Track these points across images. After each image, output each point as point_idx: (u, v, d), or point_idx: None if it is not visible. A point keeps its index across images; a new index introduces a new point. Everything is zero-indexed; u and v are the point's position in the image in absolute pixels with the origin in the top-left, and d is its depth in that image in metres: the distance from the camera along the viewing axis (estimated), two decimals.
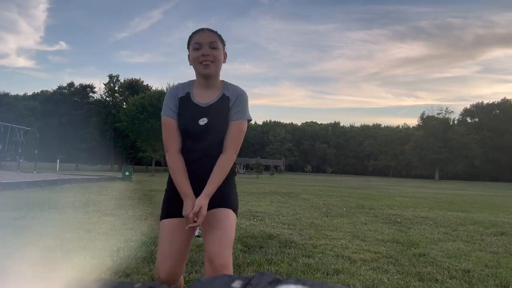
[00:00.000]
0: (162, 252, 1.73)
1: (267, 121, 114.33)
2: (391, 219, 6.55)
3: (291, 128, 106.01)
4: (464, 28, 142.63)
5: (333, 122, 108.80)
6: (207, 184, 1.71)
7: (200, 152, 1.75)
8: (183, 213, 1.68)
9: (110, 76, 57.55)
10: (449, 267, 3.40)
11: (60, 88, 55.66)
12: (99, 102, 57.01)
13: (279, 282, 0.48)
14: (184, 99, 1.78)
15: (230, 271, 1.65)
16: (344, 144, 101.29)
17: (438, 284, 2.90)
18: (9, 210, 5.58)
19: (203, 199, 1.67)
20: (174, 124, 1.75)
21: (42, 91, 78.29)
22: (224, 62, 1.79)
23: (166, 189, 1.87)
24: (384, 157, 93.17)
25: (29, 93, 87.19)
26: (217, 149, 1.76)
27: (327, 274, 3.04)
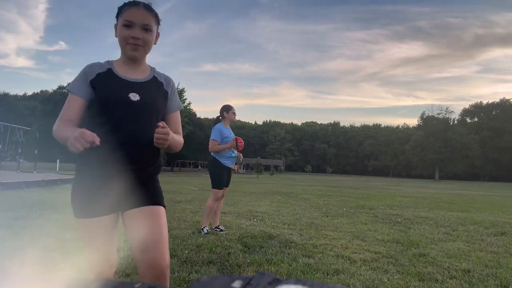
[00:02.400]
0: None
1: (267, 121, 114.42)
2: (391, 219, 6.55)
3: (291, 128, 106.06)
4: (464, 28, 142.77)
5: (333, 122, 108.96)
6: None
7: (132, 133, 1.49)
8: (73, 148, 1.28)
9: None
10: (449, 267, 3.40)
11: (60, 88, 55.72)
12: None
13: (279, 282, 0.48)
14: (104, 74, 1.53)
15: (167, 272, 1.54)
16: (344, 144, 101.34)
17: (438, 284, 2.90)
18: (9, 210, 5.58)
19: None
20: (79, 101, 1.50)
21: (42, 91, 78.36)
22: (155, 44, 1.62)
23: (74, 183, 1.55)
24: (384, 157, 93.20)
25: (29, 93, 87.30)
26: (150, 132, 1.48)
27: (327, 274, 3.04)
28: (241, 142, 4.79)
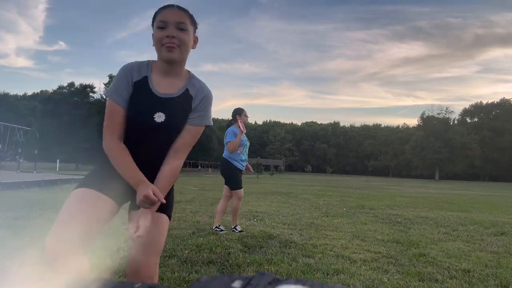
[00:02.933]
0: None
1: (267, 121, 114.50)
2: (391, 219, 6.55)
3: (291, 128, 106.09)
4: (464, 28, 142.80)
5: (333, 122, 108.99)
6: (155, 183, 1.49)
7: (149, 152, 1.49)
8: (142, 199, 1.34)
9: (110, 76, 57.55)
10: (449, 267, 3.40)
11: (60, 88, 55.66)
12: (99, 102, 57.01)
13: (279, 282, 0.48)
14: (139, 84, 1.48)
15: (155, 281, 1.48)
16: (344, 144, 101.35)
17: (438, 284, 2.90)
18: (9, 210, 5.58)
19: (146, 213, 1.42)
20: (122, 112, 1.46)
21: (42, 91, 78.37)
22: (193, 48, 1.53)
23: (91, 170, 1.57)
24: (384, 157, 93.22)
25: (29, 93, 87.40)
26: (165, 149, 1.52)
27: (327, 274, 3.04)
28: (242, 123, 4.92)
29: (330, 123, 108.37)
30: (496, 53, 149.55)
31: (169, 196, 1.56)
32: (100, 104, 56.21)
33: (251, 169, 5.38)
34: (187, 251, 3.56)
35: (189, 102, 1.53)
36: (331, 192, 14.54)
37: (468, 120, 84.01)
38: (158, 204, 1.39)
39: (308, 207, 8.26)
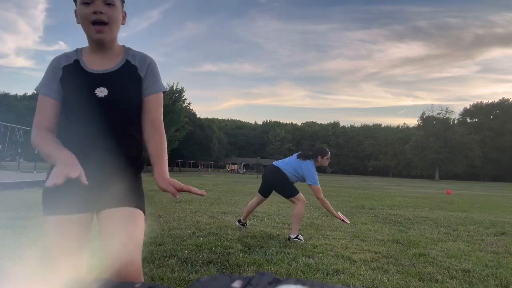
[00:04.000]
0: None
1: (267, 121, 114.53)
2: (391, 219, 6.55)
3: (291, 128, 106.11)
4: (463, 28, 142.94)
5: (333, 122, 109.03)
6: (157, 163, 1.38)
7: (99, 134, 1.33)
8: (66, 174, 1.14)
9: None
10: (449, 267, 3.40)
11: None
12: None
13: (279, 282, 0.48)
14: (69, 67, 1.37)
15: (142, 277, 1.36)
16: (344, 144, 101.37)
17: (438, 284, 2.90)
18: (9, 210, 5.58)
19: (166, 176, 1.35)
20: (53, 104, 1.37)
21: None
22: (123, 24, 1.43)
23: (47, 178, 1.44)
24: (384, 157, 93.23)
25: (29, 93, 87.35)
26: (122, 132, 1.38)
27: (327, 274, 3.04)
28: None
29: (330, 123, 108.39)
30: (496, 53, 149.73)
31: (138, 188, 1.47)
32: None
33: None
34: (187, 251, 3.56)
35: (133, 72, 1.42)
36: (331, 192, 14.54)
37: (468, 120, 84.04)
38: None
39: (308, 207, 8.26)
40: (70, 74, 1.36)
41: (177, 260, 3.23)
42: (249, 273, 3.01)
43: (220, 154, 74.52)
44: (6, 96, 76.92)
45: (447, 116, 77.37)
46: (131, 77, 1.41)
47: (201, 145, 60.11)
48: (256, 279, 0.48)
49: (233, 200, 9.19)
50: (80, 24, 1.36)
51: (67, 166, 1.18)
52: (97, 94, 1.33)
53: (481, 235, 5.24)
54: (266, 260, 3.39)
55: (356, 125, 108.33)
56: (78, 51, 1.43)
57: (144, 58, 1.46)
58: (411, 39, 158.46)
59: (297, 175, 4.57)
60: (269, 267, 3.19)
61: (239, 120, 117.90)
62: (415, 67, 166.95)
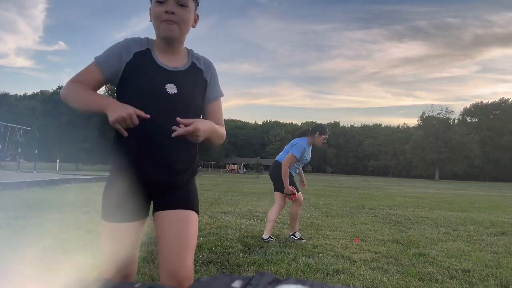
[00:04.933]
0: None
1: (267, 121, 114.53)
2: (391, 219, 6.55)
3: (291, 128, 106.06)
4: (463, 28, 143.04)
5: (333, 122, 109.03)
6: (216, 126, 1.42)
7: (163, 130, 1.32)
8: (116, 115, 1.19)
9: None
10: (449, 267, 3.40)
11: (60, 88, 55.66)
12: None
13: (279, 282, 0.48)
14: (142, 54, 1.38)
15: (191, 281, 1.39)
16: (344, 144, 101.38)
17: (438, 284, 2.90)
18: (9, 210, 5.57)
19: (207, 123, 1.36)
20: (99, 79, 1.36)
21: (41, 91, 78.40)
22: (193, 27, 1.43)
23: (108, 183, 1.44)
24: (384, 157, 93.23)
25: (29, 93, 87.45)
26: None
27: (327, 274, 3.04)
28: (292, 198, 4.52)
29: (330, 123, 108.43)
30: (495, 53, 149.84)
31: (193, 191, 1.50)
32: None
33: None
34: None
35: (200, 75, 1.46)
36: (331, 192, 14.54)
37: (468, 120, 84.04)
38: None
39: (308, 207, 8.26)
40: (141, 62, 1.36)
41: None
42: (249, 273, 3.01)
43: (220, 154, 74.53)
44: (6, 96, 76.95)
45: (447, 116, 77.42)
46: (197, 79, 1.45)
47: (201, 144, 59.72)
48: (256, 279, 0.48)
49: (233, 200, 9.19)
50: (152, 22, 1.38)
51: (123, 106, 1.23)
52: (167, 90, 1.35)
53: (481, 235, 5.24)
54: (266, 260, 3.39)
55: (356, 125, 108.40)
56: (150, 40, 1.43)
57: (208, 63, 1.51)
58: (411, 39, 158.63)
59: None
60: (269, 267, 3.19)
61: (239, 120, 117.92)
62: (415, 67, 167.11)
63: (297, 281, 0.47)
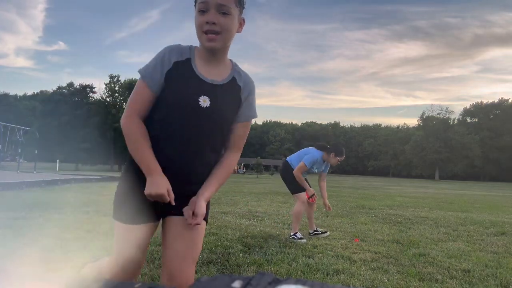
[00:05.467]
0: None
1: (267, 121, 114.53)
2: (391, 219, 6.55)
3: (291, 128, 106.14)
4: (462, 28, 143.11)
5: (333, 122, 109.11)
6: (207, 185, 1.39)
7: (194, 143, 1.34)
8: (151, 191, 1.27)
9: (111, 76, 57.57)
10: (449, 267, 3.40)
11: (59, 88, 55.66)
12: (99, 102, 57.02)
13: (279, 282, 0.48)
14: (182, 64, 1.34)
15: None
16: (344, 144, 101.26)
17: (438, 284, 2.90)
18: (9, 210, 5.57)
19: (201, 202, 1.35)
20: (150, 96, 1.33)
21: (41, 91, 78.41)
22: (238, 32, 1.38)
23: (121, 183, 1.43)
24: (384, 157, 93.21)
25: (29, 93, 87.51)
26: (215, 145, 1.40)
27: (327, 274, 3.04)
28: (313, 200, 4.71)
29: (330, 123, 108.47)
30: (495, 53, 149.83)
31: None
32: (99, 104, 56.26)
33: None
34: None
35: (237, 91, 1.42)
36: (331, 192, 14.55)
37: (468, 120, 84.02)
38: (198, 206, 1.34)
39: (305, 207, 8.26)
40: (179, 72, 1.33)
41: None
42: (249, 273, 3.01)
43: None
44: (6, 96, 77.00)
45: (447, 116, 77.43)
46: (234, 96, 1.41)
47: None
48: (256, 279, 0.48)
49: (233, 200, 9.19)
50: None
51: (162, 196, 1.28)
52: (200, 103, 1.32)
53: (481, 235, 5.24)
54: (266, 260, 3.39)
55: (356, 125, 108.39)
56: (192, 48, 1.39)
57: (248, 81, 1.46)
58: (411, 39, 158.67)
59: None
60: (269, 267, 3.18)
61: None
62: (414, 67, 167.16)
63: (297, 281, 0.47)
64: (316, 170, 4.68)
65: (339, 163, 4.61)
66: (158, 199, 1.28)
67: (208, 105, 1.33)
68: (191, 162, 1.37)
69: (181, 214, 1.38)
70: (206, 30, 1.28)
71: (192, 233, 1.40)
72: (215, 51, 1.34)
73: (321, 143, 4.74)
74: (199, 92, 1.33)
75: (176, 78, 1.32)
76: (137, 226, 1.36)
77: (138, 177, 1.34)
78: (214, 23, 1.27)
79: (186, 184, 1.39)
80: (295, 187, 4.64)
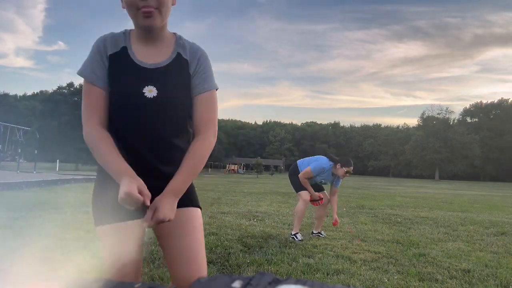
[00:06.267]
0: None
1: (267, 121, 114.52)
2: (391, 219, 6.55)
3: (291, 128, 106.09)
4: (462, 28, 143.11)
5: (333, 122, 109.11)
6: (176, 178, 1.20)
7: (145, 137, 1.22)
8: (119, 194, 1.07)
9: None
10: (449, 267, 3.40)
11: (59, 88, 55.61)
12: None
13: (279, 282, 0.48)
14: (118, 56, 1.22)
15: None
16: (344, 144, 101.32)
17: (438, 284, 2.90)
18: (9, 210, 5.57)
19: (162, 198, 1.16)
20: (100, 94, 1.21)
21: (41, 91, 78.43)
22: (173, 5, 1.25)
23: (95, 186, 1.33)
24: (384, 157, 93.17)
25: (29, 93, 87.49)
26: (169, 134, 1.25)
27: (327, 274, 3.04)
28: (317, 204, 4.72)
29: (330, 123, 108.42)
30: (495, 53, 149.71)
31: (191, 187, 1.33)
32: None
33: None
34: None
35: (184, 68, 1.26)
36: None
37: (468, 120, 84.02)
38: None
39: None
40: (117, 65, 1.22)
41: None
42: (249, 273, 3.01)
43: (220, 154, 74.53)
44: (6, 96, 76.98)
45: (447, 116, 77.41)
46: (182, 74, 1.26)
47: None
48: (256, 279, 0.48)
49: (233, 200, 9.19)
50: (125, 9, 1.19)
51: (130, 195, 1.06)
52: (145, 94, 1.19)
53: (481, 235, 5.24)
54: (266, 260, 3.39)
55: (356, 125, 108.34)
56: (126, 34, 1.26)
57: (195, 50, 1.29)
58: (411, 39, 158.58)
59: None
60: (269, 267, 3.18)
61: (239, 120, 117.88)
62: (414, 67, 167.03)
63: (297, 281, 0.47)
64: (322, 180, 4.69)
65: (347, 176, 4.56)
66: (130, 202, 1.08)
67: (155, 95, 1.20)
68: (156, 156, 1.24)
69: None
70: (141, 7, 1.14)
71: (194, 228, 1.29)
72: (153, 29, 1.21)
73: (332, 155, 4.68)
74: (142, 82, 1.20)
75: (115, 72, 1.21)
76: (123, 223, 1.24)
77: (110, 177, 1.20)
78: None
79: (162, 179, 1.23)
80: (296, 186, 4.68)
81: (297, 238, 4.39)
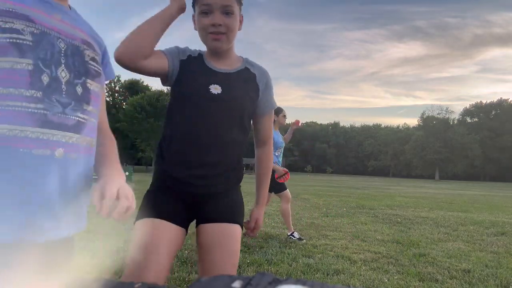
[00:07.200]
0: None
1: None
2: (391, 219, 6.54)
3: None
4: (462, 28, 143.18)
5: (333, 122, 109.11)
6: (263, 191, 1.51)
7: (209, 128, 1.31)
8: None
9: None
10: (449, 267, 3.40)
11: None
12: None
13: (279, 282, 0.48)
14: (194, 58, 1.37)
15: None
16: (344, 144, 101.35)
17: (438, 284, 2.90)
18: None
19: (259, 210, 1.50)
20: (164, 64, 1.31)
21: None
22: (239, 30, 1.37)
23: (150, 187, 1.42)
24: (384, 157, 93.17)
25: None
26: (228, 134, 1.34)
27: (327, 274, 3.04)
28: (287, 178, 4.59)
29: (330, 123, 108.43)
30: (495, 53, 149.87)
31: (238, 201, 1.45)
32: None
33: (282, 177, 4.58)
34: (187, 251, 3.56)
35: (251, 78, 1.40)
36: (331, 192, 14.54)
37: (468, 120, 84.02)
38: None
39: (308, 207, 8.26)
40: (192, 64, 1.35)
41: (177, 260, 3.23)
42: (249, 273, 3.01)
43: None
44: None
45: (447, 116, 77.43)
46: (247, 81, 1.39)
47: None
48: (256, 279, 0.48)
49: None
50: (197, 31, 1.34)
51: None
52: (211, 90, 1.30)
53: (481, 235, 5.24)
54: (266, 260, 3.39)
55: (356, 125, 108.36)
56: (201, 51, 1.41)
57: (263, 71, 1.45)
58: (410, 39, 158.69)
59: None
60: (269, 267, 3.18)
61: None
62: (414, 67, 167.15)
63: (297, 281, 0.47)
64: (281, 141, 4.60)
65: (285, 117, 4.53)
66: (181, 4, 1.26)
67: (219, 92, 1.31)
68: (213, 151, 1.32)
69: (214, 220, 1.34)
70: (212, 32, 1.28)
71: (229, 240, 1.33)
72: (220, 51, 1.35)
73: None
74: (209, 80, 1.32)
75: (189, 69, 1.34)
76: (165, 222, 1.30)
77: (165, 185, 1.36)
78: (220, 25, 1.27)
79: (211, 178, 1.34)
80: (277, 187, 4.57)
81: (294, 236, 4.40)
